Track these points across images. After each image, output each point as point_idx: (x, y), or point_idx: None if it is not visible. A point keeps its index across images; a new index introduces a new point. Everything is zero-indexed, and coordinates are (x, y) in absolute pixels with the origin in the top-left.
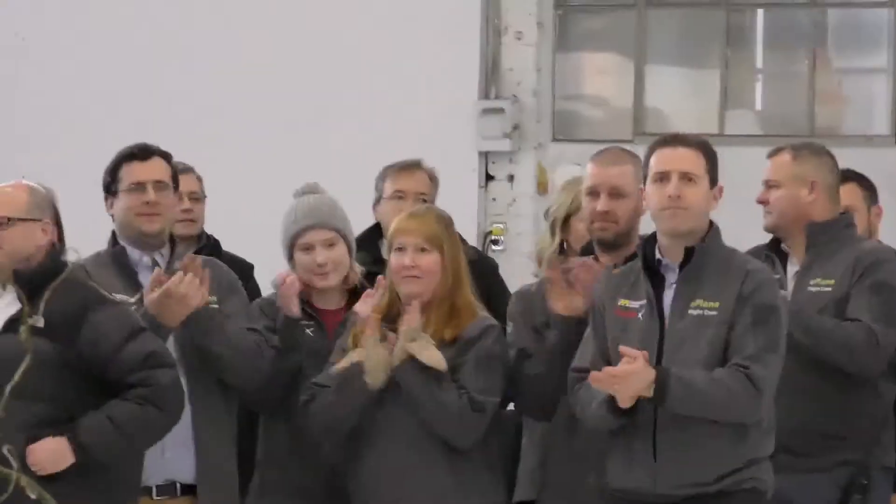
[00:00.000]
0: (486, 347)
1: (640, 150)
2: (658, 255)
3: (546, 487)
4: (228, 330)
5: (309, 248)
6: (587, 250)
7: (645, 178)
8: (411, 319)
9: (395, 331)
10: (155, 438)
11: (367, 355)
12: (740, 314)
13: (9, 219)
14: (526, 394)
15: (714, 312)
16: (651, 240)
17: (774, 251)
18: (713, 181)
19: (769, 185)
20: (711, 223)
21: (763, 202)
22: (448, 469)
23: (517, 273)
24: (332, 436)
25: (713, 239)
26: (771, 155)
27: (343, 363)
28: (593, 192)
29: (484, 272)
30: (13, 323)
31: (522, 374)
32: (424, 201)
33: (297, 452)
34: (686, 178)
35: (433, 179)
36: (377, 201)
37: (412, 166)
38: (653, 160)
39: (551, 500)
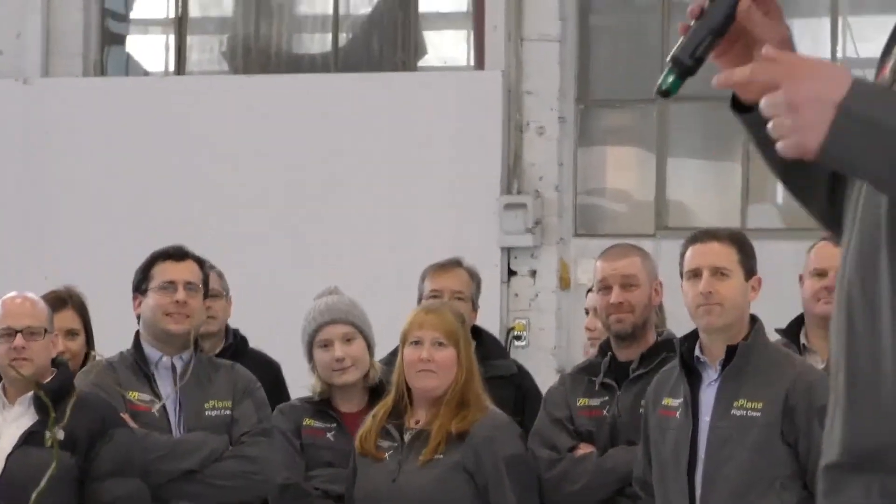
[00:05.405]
0: (510, 454)
1: (663, 245)
2: (697, 353)
3: None
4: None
5: (327, 345)
6: (605, 347)
7: (681, 275)
8: None
9: (400, 427)
10: None
11: None
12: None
13: (45, 330)
14: None
15: (757, 413)
16: (691, 337)
17: (794, 341)
18: (749, 273)
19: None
20: (755, 319)
21: (829, 288)
22: None
23: (540, 369)
24: None
25: (756, 336)
26: (816, 246)
27: None
28: (605, 287)
29: (524, 386)
30: (31, 436)
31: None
32: (461, 300)
33: None
34: (717, 272)
35: (473, 277)
36: (419, 301)
37: (449, 265)
38: (685, 257)
39: None
